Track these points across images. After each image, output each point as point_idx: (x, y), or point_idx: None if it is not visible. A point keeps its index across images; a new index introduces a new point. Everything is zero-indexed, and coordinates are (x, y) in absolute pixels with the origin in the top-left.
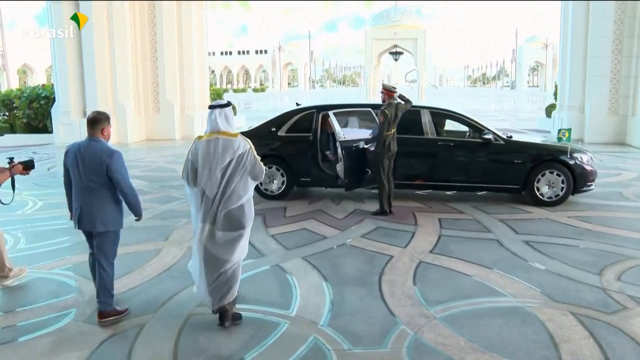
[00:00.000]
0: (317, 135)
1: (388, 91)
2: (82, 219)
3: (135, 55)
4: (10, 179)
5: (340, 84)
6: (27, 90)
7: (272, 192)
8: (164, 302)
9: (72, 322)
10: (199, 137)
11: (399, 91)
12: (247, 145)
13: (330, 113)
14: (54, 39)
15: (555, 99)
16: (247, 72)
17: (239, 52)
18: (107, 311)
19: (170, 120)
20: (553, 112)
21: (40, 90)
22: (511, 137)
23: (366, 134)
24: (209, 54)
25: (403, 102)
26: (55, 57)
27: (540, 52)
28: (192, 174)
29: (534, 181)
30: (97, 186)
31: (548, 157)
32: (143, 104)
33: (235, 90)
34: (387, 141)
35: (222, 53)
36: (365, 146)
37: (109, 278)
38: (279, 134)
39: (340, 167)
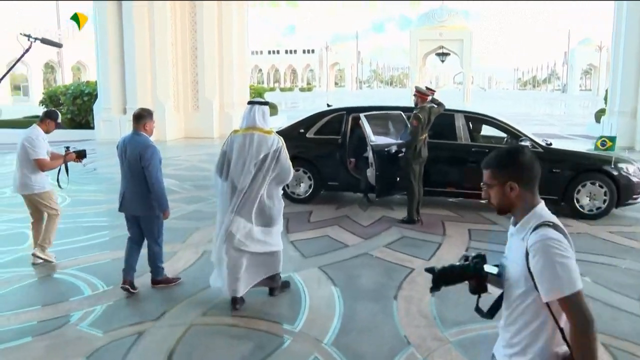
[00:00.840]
0: (346, 137)
1: (421, 94)
2: (125, 203)
3: (176, 54)
4: (64, 165)
5: (388, 84)
6: (72, 87)
7: (298, 195)
8: (167, 310)
9: (71, 326)
10: (235, 131)
11: (432, 94)
12: (280, 142)
13: (362, 115)
14: (98, 37)
15: (606, 103)
16: (294, 72)
17: (286, 52)
18: (157, 279)
19: (209, 118)
20: (602, 118)
21: (84, 87)
22: (551, 144)
23: (396, 138)
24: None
25: (436, 106)
26: (98, 55)
27: (594, 54)
28: (226, 166)
29: (574, 192)
30: (137, 175)
31: (589, 166)
32: (182, 102)
33: (282, 89)
34: (419, 146)
35: (269, 52)
36: (397, 150)
37: (156, 255)
38: (307, 135)
39: (370, 173)
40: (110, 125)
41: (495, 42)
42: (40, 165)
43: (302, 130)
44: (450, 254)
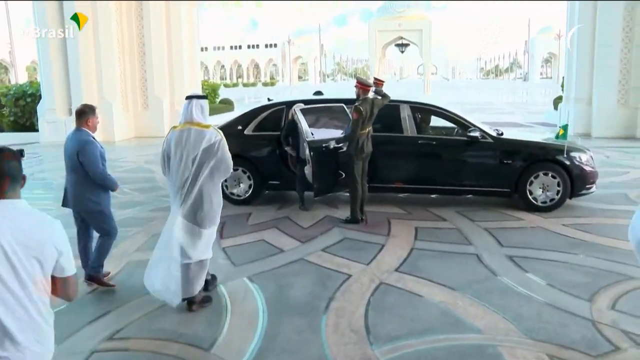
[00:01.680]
0: (287, 133)
1: (363, 85)
2: (67, 198)
3: (123, 52)
4: None
5: (352, 77)
6: (14, 88)
7: (238, 196)
8: (70, 334)
9: None
10: (174, 127)
11: (380, 86)
12: (218, 136)
13: (296, 109)
14: (39, 38)
15: (563, 90)
16: (257, 66)
17: (248, 47)
18: (93, 276)
19: (159, 117)
20: (559, 105)
21: (27, 88)
22: (502, 134)
23: (339, 132)
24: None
25: (380, 97)
26: (40, 54)
27: (554, 43)
28: (167, 163)
29: (526, 184)
30: (76, 171)
31: (541, 156)
32: (131, 101)
33: (245, 84)
34: (361, 141)
35: (231, 47)
36: (336, 146)
37: (104, 250)
38: (245, 132)
39: (308, 170)
40: (55, 126)
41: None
42: None
43: (240, 127)
44: (392, 257)
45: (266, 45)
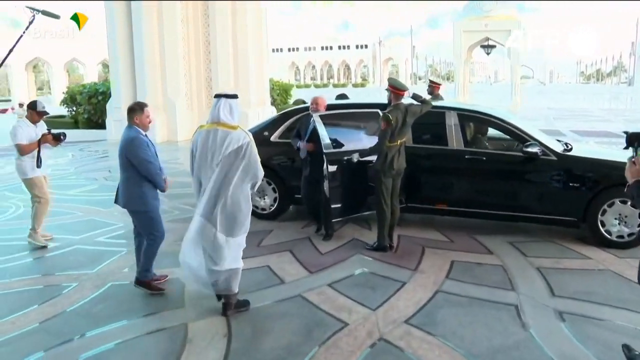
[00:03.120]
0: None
1: (395, 89)
2: (118, 196)
3: (188, 51)
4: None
5: (446, 79)
6: (88, 86)
7: (262, 210)
8: None
9: None
10: (200, 127)
11: (410, 90)
12: (246, 138)
13: (315, 115)
14: (109, 35)
15: None
16: (348, 67)
17: (339, 47)
18: (140, 280)
19: None
20: None
21: (99, 86)
22: (571, 149)
23: (371, 142)
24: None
25: (417, 104)
26: (110, 53)
27: None
28: (193, 164)
29: (598, 213)
30: (125, 168)
31: (618, 179)
32: (196, 100)
33: (335, 85)
34: (391, 155)
35: (322, 48)
36: (360, 159)
37: (148, 253)
38: (271, 139)
39: (326, 187)
40: (121, 125)
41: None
42: (19, 150)
43: (266, 133)
44: (408, 301)
45: (357, 46)
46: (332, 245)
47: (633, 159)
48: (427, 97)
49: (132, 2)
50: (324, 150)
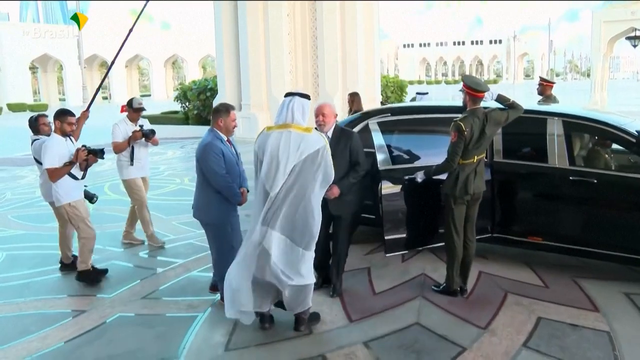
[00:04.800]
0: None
1: (471, 89)
2: (194, 208)
3: (295, 47)
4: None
5: (586, 76)
6: (198, 82)
7: None
8: None
9: None
10: (268, 128)
11: (493, 90)
12: (322, 141)
13: (372, 122)
14: (216, 32)
15: None
16: (480, 63)
17: (472, 42)
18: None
19: None
20: None
21: (208, 83)
22: None
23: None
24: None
25: (503, 109)
26: (217, 50)
27: None
28: (258, 168)
29: None
30: (199, 176)
31: None
32: None
33: (446, 82)
34: (465, 175)
35: (454, 43)
36: (419, 179)
37: (215, 266)
38: None
39: (381, 211)
40: None
41: None
42: (113, 148)
43: None
44: None
45: (490, 41)
46: (392, 282)
47: None
48: (537, 97)
49: (238, 2)
50: (379, 166)
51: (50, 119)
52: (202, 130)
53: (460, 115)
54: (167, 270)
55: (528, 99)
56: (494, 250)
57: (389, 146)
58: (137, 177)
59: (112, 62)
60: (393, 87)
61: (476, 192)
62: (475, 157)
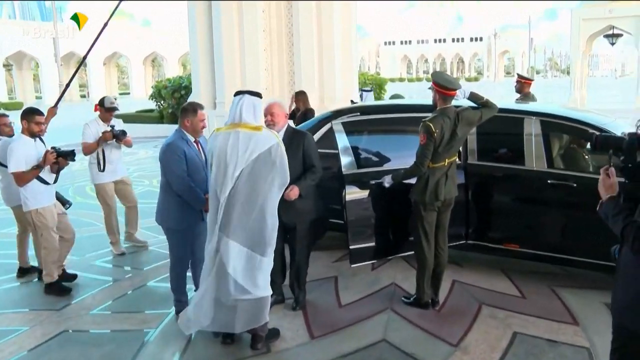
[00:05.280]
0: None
1: (441, 87)
2: (156, 212)
3: (270, 44)
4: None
5: (566, 73)
6: (172, 81)
7: None
8: None
9: None
10: (217, 130)
11: (465, 88)
12: (273, 139)
13: (335, 123)
14: (189, 27)
15: None
16: (461, 60)
17: (453, 40)
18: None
19: None
20: None
21: (183, 81)
22: None
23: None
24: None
25: (476, 108)
26: (190, 47)
27: None
28: (210, 172)
29: None
30: (162, 178)
31: None
32: (277, 96)
33: (427, 80)
34: (435, 180)
35: (435, 41)
36: (386, 184)
37: (170, 278)
38: None
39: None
40: None
41: None
42: (82, 149)
43: None
44: None
45: (471, 39)
46: (360, 292)
47: (607, 170)
48: (516, 95)
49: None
50: (343, 170)
51: (13, 118)
52: (171, 130)
53: (429, 115)
54: (124, 280)
55: (509, 97)
56: (469, 257)
57: (354, 148)
58: (108, 181)
59: (84, 58)
60: (371, 85)
61: (447, 197)
62: (447, 160)
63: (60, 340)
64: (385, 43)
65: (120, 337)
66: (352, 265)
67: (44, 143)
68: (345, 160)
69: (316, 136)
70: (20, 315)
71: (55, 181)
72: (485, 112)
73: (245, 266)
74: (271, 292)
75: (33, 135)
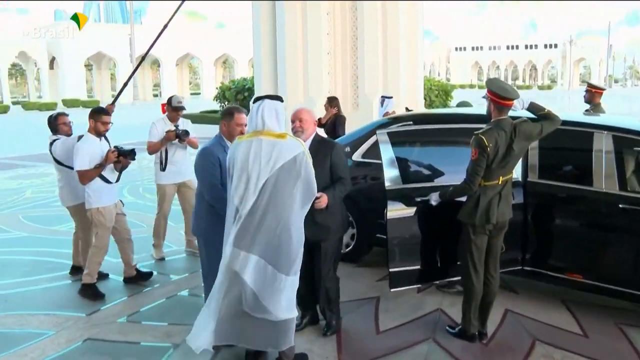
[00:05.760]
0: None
1: (496, 96)
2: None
3: (334, 48)
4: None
5: None
6: (236, 82)
7: None
8: None
9: None
10: (239, 138)
11: (524, 98)
12: (299, 147)
13: (380, 133)
14: (253, 30)
15: None
16: (534, 68)
17: (526, 47)
18: None
19: (368, 118)
20: None
21: (246, 82)
22: None
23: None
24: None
25: (536, 120)
26: (254, 49)
27: None
28: (229, 183)
29: None
30: (198, 185)
31: None
32: (342, 100)
33: (518, 87)
34: (487, 200)
35: (508, 47)
36: (433, 202)
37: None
38: (353, 157)
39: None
40: None
41: None
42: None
43: (348, 149)
44: None
45: (545, 46)
46: (402, 317)
47: None
48: (585, 106)
49: (276, 2)
50: (386, 185)
51: (72, 118)
52: None
53: (483, 127)
54: (157, 288)
55: (584, 107)
56: (526, 284)
57: (400, 161)
58: (169, 183)
59: (143, 58)
60: (437, 91)
61: (500, 220)
62: (501, 178)
63: (82, 349)
64: (456, 49)
65: (141, 351)
66: (392, 290)
67: (108, 142)
68: (389, 174)
69: (365, 146)
70: (50, 318)
71: (118, 180)
72: (546, 125)
73: (267, 284)
74: (296, 314)
75: (99, 134)
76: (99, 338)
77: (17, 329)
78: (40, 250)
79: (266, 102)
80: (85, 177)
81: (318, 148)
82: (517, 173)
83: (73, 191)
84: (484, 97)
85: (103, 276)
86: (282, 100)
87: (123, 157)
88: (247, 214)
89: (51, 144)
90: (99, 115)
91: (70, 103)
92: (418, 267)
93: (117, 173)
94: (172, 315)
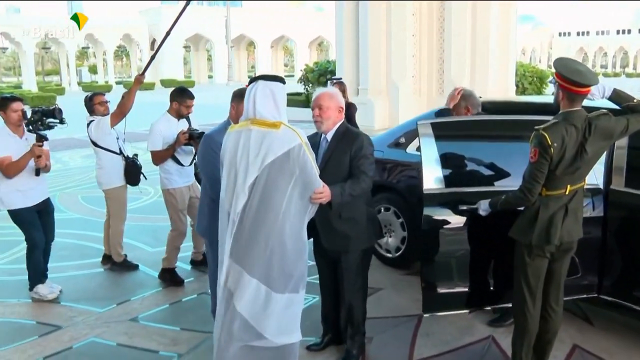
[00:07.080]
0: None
1: (567, 81)
2: None
3: (420, 31)
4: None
5: None
6: (320, 65)
7: (387, 251)
8: None
9: None
10: (231, 127)
11: (606, 84)
12: (295, 139)
13: (422, 124)
14: (338, 12)
15: None
16: (626, 54)
17: (617, 32)
18: None
19: None
20: None
21: (329, 65)
22: None
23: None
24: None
25: (620, 113)
26: (336, 30)
27: None
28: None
29: None
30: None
31: None
32: (426, 84)
33: (628, 75)
34: (548, 213)
35: (617, 32)
36: (482, 212)
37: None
38: (407, 150)
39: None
40: None
41: None
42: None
43: (402, 140)
44: None
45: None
46: (444, 344)
47: None
48: None
49: None
50: (424, 188)
51: (108, 97)
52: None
53: (550, 120)
54: (191, 282)
55: None
56: (604, 314)
57: (445, 159)
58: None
59: (167, 35)
60: (532, 78)
61: (566, 240)
62: (568, 186)
63: (81, 350)
64: (560, 34)
65: (141, 358)
66: (425, 315)
67: (189, 123)
68: (430, 174)
69: None
70: (64, 310)
71: (191, 163)
72: (633, 120)
73: (260, 306)
74: (299, 338)
75: (181, 116)
76: (103, 339)
77: (27, 320)
78: (84, 234)
79: (259, 84)
80: (157, 157)
81: (340, 140)
82: (597, 178)
83: (107, 174)
84: (550, 81)
85: (133, 267)
86: (282, 81)
87: (194, 140)
88: (238, 221)
89: (88, 125)
90: (184, 98)
91: (167, 83)
92: (459, 289)
93: (193, 155)
94: (186, 318)
